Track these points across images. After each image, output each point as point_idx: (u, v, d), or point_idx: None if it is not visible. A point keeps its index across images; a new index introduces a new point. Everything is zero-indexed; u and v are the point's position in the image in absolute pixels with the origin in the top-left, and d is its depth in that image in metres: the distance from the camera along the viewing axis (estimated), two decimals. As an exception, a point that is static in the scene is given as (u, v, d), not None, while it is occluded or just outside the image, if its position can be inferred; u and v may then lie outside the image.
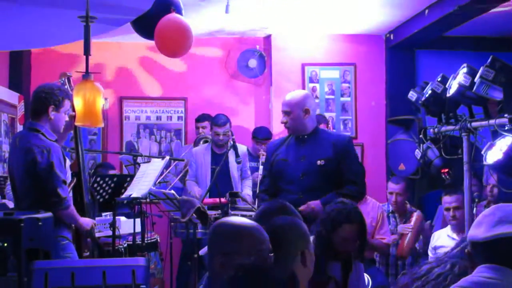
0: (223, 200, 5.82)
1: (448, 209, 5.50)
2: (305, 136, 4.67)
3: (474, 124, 4.98)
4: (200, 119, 7.48)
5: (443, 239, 5.50)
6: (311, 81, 7.85)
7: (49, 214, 3.76)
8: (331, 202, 4.15)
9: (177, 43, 4.32)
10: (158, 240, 6.12)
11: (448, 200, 5.53)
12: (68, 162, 4.78)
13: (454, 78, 5.08)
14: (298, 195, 4.52)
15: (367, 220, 5.81)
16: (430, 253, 5.61)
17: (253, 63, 7.91)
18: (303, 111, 4.63)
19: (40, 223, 3.58)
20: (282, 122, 4.70)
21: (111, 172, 6.71)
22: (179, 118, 7.92)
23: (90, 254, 4.74)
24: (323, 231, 3.81)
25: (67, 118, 4.54)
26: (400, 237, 6.05)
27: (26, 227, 3.49)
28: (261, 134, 7.25)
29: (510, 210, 2.05)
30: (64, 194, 4.28)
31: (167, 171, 6.82)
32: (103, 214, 5.75)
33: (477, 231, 2.04)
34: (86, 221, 4.54)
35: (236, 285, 2.04)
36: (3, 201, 5.79)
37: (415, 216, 6.15)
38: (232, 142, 6.37)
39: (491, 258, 1.97)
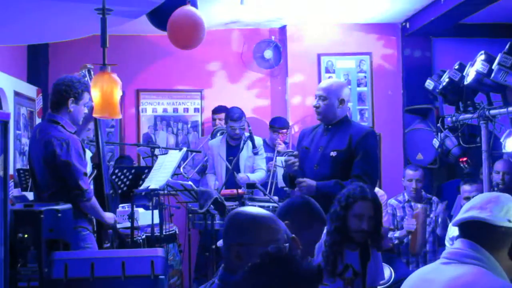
0: (240, 191, 5.83)
1: (468, 198, 5.45)
2: (330, 126, 4.63)
3: (493, 111, 4.96)
4: (217, 110, 7.48)
5: (462, 229, 5.46)
6: (327, 71, 7.84)
7: (68, 205, 3.78)
8: (328, 188, 4.30)
9: (188, 35, 4.31)
10: (177, 232, 6.15)
11: (468, 189, 5.49)
12: (88, 154, 4.82)
13: (472, 65, 5.05)
14: None
15: None
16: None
17: (268, 54, 7.90)
18: (338, 100, 4.60)
19: (59, 215, 3.61)
20: (314, 106, 4.59)
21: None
22: (195, 110, 7.94)
23: (110, 245, 4.77)
24: (338, 209, 3.83)
25: (86, 111, 4.58)
26: (409, 234, 6.03)
27: (46, 219, 3.52)
28: (278, 123, 7.21)
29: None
30: (85, 186, 4.31)
31: (185, 163, 6.84)
32: (121, 205, 5.78)
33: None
34: (109, 216, 4.57)
35: (260, 273, 2.03)
36: (23, 193, 5.85)
37: (417, 209, 6.08)
38: (249, 133, 6.38)
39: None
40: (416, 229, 5.97)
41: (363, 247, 3.88)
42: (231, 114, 6.80)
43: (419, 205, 6.15)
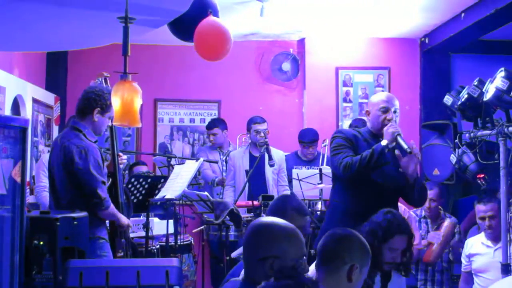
0: (255, 203, 5.81)
1: (483, 218, 5.39)
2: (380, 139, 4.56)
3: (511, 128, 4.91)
4: (210, 126, 7.38)
5: (478, 247, 5.42)
6: (344, 84, 7.83)
7: (84, 213, 3.78)
8: None
9: (217, 47, 4.33)
10: (192, 242, 6.14)
11: (482, 209, 5.41)
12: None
13: (491, 82, 5.01)
14: None
15: None
16: (464, 261, 5.53)
17: (286, 66, 7.91)
18: None
19: (75, 222, 3.60)
20: (389, 120, 4.38)
21: (143, 168, 6.76)
22: (213, 121, 7.93)
23: (124, 255, 4.77)
24: (373, 241, 3.70)
25: (109, 123, 4.60)
26: (428, 244, 6.02)
27: (61, 226, 3.51)
28: (307, 137, 7.07)
29: None
30: (104, 195, 4.32)
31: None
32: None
33: None
34: (126, 220, 4.58)
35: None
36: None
37: (447, 223, 6.11)
38: (265, 145, 6.36)
39: None
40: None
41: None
42: (254, 118, 6.82)
43: (448, 220, 6.20)
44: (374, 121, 4.47)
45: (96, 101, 4.44)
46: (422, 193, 4.47)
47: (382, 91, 7.81)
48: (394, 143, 4.27)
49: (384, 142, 4.26)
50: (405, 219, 3.93)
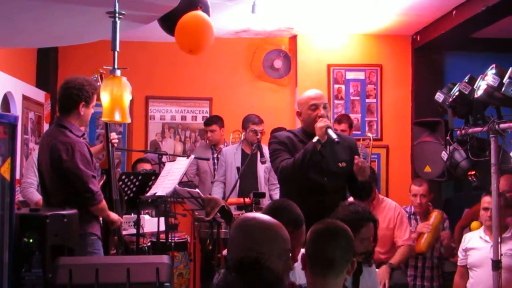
0: (247, 200, 5.80)
1: (487, 209, 5.39)
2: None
3: (503, 125, 4.91)
4: (208, 122, 7.42)
5: (475, 241, 5.43)
6: (336, 82, 7.83)
7: (74, 210, 3.75)
8: None
9: (195, 39, 4.29)
10: (188, 240, 6.13)
11: (489, 200, 5.42)
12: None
13: (482, 79, 5.01)
14: None
15: (384, 222, 5.81)
16: (460, 255, 5.54)
17: (278, 63, 7.90)
18: None
19: (65, 220, 3.57)
20: (322, 116, 4.43)
21: (146, 166, 6.72)
22: (204, 118, 7.91)
23: (116, 252, 4.75)
24: None
25: (93, 111, 4.57)
26: (418, 235, 6.04)
27: (51, 224, 3.49)
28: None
29: None
30: (95, 189, 4.31)
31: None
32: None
33: None
34: (116, 216, 4.56)
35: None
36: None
37: (435, 213, 6.13)
38: (257, 142, 6.35)
39: None
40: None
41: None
42: (252, 118, 6.81)
43: (436, 210, 6.26)
44: (307, 120, 4.55)
45: (79, 96, 4.43)
46: (367, 190, 4.58)
47: (374, 88, 7.82)
48: (326, 137, 4.32)
49: (315, 139, 4.31)
50: (365, 206, 3.95)
